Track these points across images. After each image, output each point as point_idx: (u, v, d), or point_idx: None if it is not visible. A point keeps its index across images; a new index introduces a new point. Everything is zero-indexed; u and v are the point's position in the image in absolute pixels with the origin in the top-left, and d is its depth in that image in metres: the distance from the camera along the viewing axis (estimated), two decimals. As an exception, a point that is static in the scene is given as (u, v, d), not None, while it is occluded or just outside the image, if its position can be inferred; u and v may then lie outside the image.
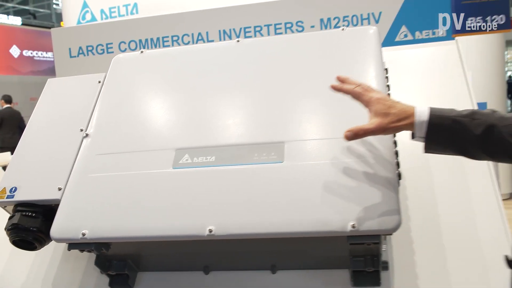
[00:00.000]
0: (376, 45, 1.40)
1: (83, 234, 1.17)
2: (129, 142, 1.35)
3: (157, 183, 1.24)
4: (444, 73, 1.70)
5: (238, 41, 1.53)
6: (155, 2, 5.04)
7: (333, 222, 1.08)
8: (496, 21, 1.75)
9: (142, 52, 1.58)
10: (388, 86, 1.35)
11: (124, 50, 1.96)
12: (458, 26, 1.76)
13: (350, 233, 1.07)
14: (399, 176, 1.17)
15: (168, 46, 1.93)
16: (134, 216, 1.20)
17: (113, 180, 1.28)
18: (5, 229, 1.32)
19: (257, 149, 1.24)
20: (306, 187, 1.14)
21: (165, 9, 5.41)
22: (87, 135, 1.41)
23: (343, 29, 1.46)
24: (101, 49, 1.97)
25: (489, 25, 1.75)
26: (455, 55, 1.75)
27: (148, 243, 1.28)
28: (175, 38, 1.92)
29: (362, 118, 1.07)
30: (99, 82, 1.55)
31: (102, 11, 5.13)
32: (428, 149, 1.06)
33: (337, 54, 1.40)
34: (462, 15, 1.75)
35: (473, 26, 1.76)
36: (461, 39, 1.79)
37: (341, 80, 1.14)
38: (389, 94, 1.30)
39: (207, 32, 1.91)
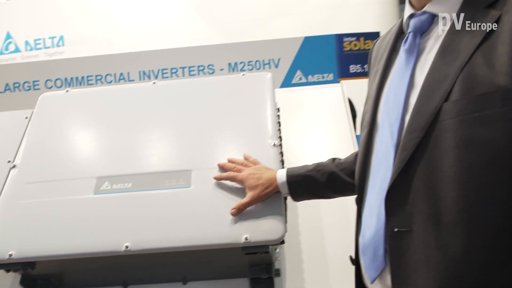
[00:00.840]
0: (271, 88, 1.63)
1: (10, 255, 1.27)
2: (55, 171, 1.46)
3: (80, 208, 1.36)
4: (330, 110, 1.98)
5: (154, 83, 1.71)
6: (81, 34, 5.07)
7: (230, 235, 1.26)
8: (372, 68, 2.07)
9: (67, 91, 1.72)
10: (279, 123, 1.57)
11: (51, 88, 2.06)
12: (342, 72, 2.06)
13: (243, 244, 1.26)
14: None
15: (92, 84, 2.05)
16: (58, 236, 1.29)
17: (39, 205, 1.37)
18: None
19: (168, 176, 1.41)
20: (209, 207, 1.31)
21: (91, 42, 5.46)
22: (14, 166, 1.49)
23: (243, 75, 1.69)
24: (28, 86, 2.05)
25: (367, 71, 2.06)
26: (339, 95, 2.04)
27: (70, 261, 1.37)
28: (98, 78, 2.05)
29: (252, 151, 1.32)
30: (26, 118, 1.65)
31: (26, 43, 5.05)
32: (296, 200, 1.29)
33: (237, 96, 1.62)
34: (345, 62, 2.06)
35: (355, 72, 2.06)
36: (347, 82, 2.08)
37: (221, 166, 1.35)
38: (280, 130, 1.53)
39: (128, 73, 2.06)
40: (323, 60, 2.05)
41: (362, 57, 2.04)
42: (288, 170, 1.28)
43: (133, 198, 1.36)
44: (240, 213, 1.26)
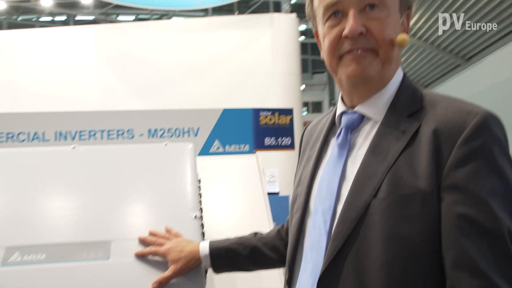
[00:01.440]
0: (192, 159, 1.66)
1: None
2: None
3: None
4: (245, 178, 2.05)
5: (73, 147, 1.65)
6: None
7: None
8: (284, 141, 2.19)
9: (-24, 151, 1.61)
10: (200, 194, 1.60)
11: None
12: (257, 143, 2.15)
13: None
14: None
15: (2, 142, 1.94)
16: None
17: None
18: None
19: (86, 247, 1.35)
20: (129, 282, 1.28)
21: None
22: None
23: (166, 144, 1.70)
24: None
25: (280, 144, 2.18)
26: (254, 165, 2.12)
27: None
28: (10, 135, 1.95)
29: (174, 223, 1.34)
30: None
31: None
32: (216, 272, 1.29)
33: (160, 165, 1.62)
34: (260, 135, 2.15)
35: (269, 144, 2.16)
36: (261, 153, 2.17)
37: (142, 240, 1.32)
38: (200, 202, 1.55)
39: (43, 132, 1.97)
40: (240, 131, 2.13)
41: (276, 131, 2.16)
42: (211, 243, 1.28)
43: (46, 271, 1.28)
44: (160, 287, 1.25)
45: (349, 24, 0.91)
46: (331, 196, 0.94)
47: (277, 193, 3.71)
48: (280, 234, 1.30)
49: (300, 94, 8.10)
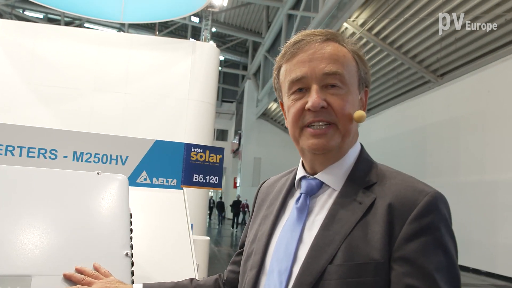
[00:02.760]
0: (125, 192, 1.61)
1: None
2: None
3: None
4: (172, 211, 2.03)
5: (-5, 166, 1.51)
6: None
7: None
8: (212, 180, 2.20)
9: None
10: (131, 230, 1.54)
11: None
12: (185, 179, 2.13)
13: None
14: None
15: None
16: None
17: None
18: None
19: (4, 281, 1.23)
20: None
21: None
22: None
23: (98, 173, 1.63)
24: None
25: (208, 182, 2.18)
26: (181, 200, 2.11)
27: None
28: None
29: (103, 260, 1.28)
30: None
31: None
32: None
33: (91, 196, 1.55)
34: (190, 171, 2.14)
35: (198, 181, 2.16)
36: (188, 189, 2.16)
37: (67, 276, 1.26)
38: (131, 238, 1.50)
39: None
40: (170, 165, 2.10)
41: (206, 168, 2.16)
42: (145, 286, 1.25)
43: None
44: None
45: (312, 98, 0.99)
46: (288, 258, 0.98)
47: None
48: (218, 284, 1.32)
49: (213, 123, 8.16)
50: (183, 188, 2.13)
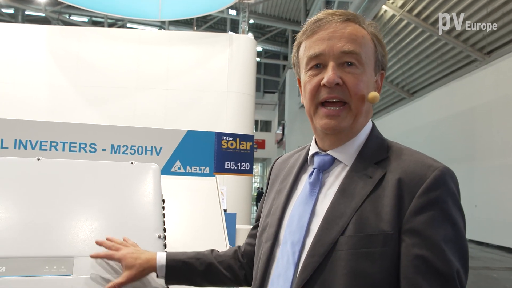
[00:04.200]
0: (158, 180, 1.70)
1: None
2: None
3: None
4: (205, 198, 2.12)
5: (38, 159, 1.65)
6: None
7: None
8: (244, 167, 2.28)
9: None
10: (164, 215, 1.64)
11: None
12: (217, 167, 2.22)
13: None
14: None
15: (-44, 147, 1.90)
16: None
17: None
18: None
19: (48, 261, 1.35)
20: None
21: None
22: None
23: (132, 163, 1.74)
24: None
25: (239, 169, 2.26)
26: (214, 186, 2.20)
27: None
28: (-35, 142, 1.92)
29: (137, 242, 1.39)
30: None
31: None
32: (168, 283, 1.32)
33: (125, 184, 1.65)
34: (221, 159, 2.23)
35: (229, 168, 2.24)
36: (220, 176, 2.25)
37: (99, 243, 1.34)
38: (164, 222, 1.60)
39: (1, 140, 1.95)
40: (202, 154, 2.19)
41: (237, 156, 2.24)
42: (168, 255, 1.32)
43: (6, 284, 1.28)
44: None
45: (328, 74, 1.03)
46: (301, 230, 1.03)
47: (225, 210, 3.82)
48: (237, 255, 1.39)
49: (253, 114, 8.26)
50: (216, 175, 2.22)
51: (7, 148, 1.98)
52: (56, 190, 1.58)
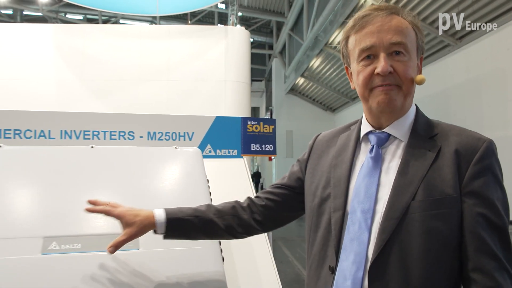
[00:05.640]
0: (200, 161, 1.76)
1: None
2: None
3: (26, 269, 1.27)
4: (234, 177, 2.17)
5: (92, 147, 1.69)
6: None
7: None
8: (268, 148, 2.33)
9: (0, 146, 1.59)
10: (210, 193, 1.69)
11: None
12: (245, 149, 2.27)
13: None
14: None
15: (10, 138, 1.92)
16: None
17: None
18: None
19: (111, 238, 1.40)
20: (159, 270, 1.37)
21: None
22: None
23: (176, 148, 1.78)
24: None
25: (264, 150, 2.32)
26: (242, 166, 2.25)
27: None
28: (17, 132, 1.93)
29: None
30: None
31: None
32: (166, 238, 1.33)
33: (173, 165, 1.71)
34: (247, 141, 2.28)
35: (255, 150, 2.29)
36: (248, 157, 2.30)
37: (92, 202, 1.33)
38: (211, 200, 1.65)
39: (49, 131, 1.98)
40: (230, 137, 2.23)
41: (261, 138, 2.29)
42: (168, 212, 1.32)
43: (83, 259, 1.33)
44: (116, 251, 1.27)
45: (381, 64, 1.10)
46: (370, 199, 1.10)
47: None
48: (235, 210, 1.38)
49: (249, 100, 8.27)
50: (243, 156, 2.27)
51: (54, 138, 2.00)
52: (113, 173, 1.63)
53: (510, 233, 1.04)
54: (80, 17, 24.95)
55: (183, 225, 1.32)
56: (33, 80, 7.22)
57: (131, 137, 2.09)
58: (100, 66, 7.54)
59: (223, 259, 1.47)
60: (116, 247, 1.25)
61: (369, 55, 1.13)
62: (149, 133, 2.12)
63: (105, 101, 7.61)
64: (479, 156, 1.05)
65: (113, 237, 1.39)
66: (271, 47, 28.07)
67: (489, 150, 1.07)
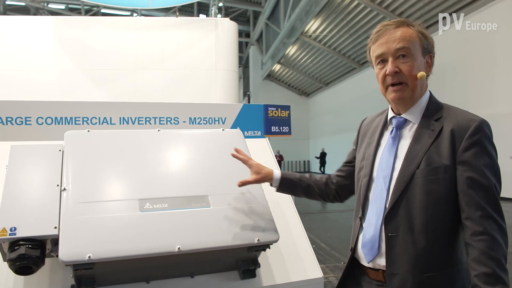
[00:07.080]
0: (244, 141, 2.06)
1: (89, 257, 1.40)
2: (103, 194, 1.62)
3: (131, 222, 1.57)
4: (260, 153, 2.48)
5: (159, 130, 1.98)
6: None
7: (247, 238, 1.63)
8: (284, 129, 2.68)
9: (89, 131, 1.86)
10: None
11: (41, 124, 2.12)
12: (266, 130, 2.61)
13: (256, 244, 1.67)
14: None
15: (79, 124, 2.19)
16: (123, 243, 1.49)
17: (97, 220, 1.53)
18: (8, 259, 1.41)
19: (193, 199, 1.70)
20: (227, 221, 1.68)
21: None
22: (65, 189, 1.60)
23: (223, 130, 2.09)
24: (20, 121, 2.09)
25: (282, 131, 2.66)
26: (266, 145, 2.58)
27: (117, 262, 1.48)
28: (85, 119, 2.21)
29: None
30: (60, 150, 1.76)
31: None
32: (278, 191, 1.70)
33: (225, 144, 1.99)
34: (268, 124, 2.62)
35: (275, 131, 2.64)
36: (269, 138, 2.64)
37: (236, 150, 1.73)
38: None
39: (110, 118, 2.26)
40: (255, 121, 2.57)
41: (279, 121, 2.63)
42: (282, 173, 1.68)
43: (171, 214, 1.64)
44: (243, 186, 1.67)
45: (388, 67, 1.33)
46: (389, 168, 1.33)
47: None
48: (328, 182, 1.71)
49: (238, 87, 8.55)
50: (266, 137, 2.61)
51: (114, 124, 2.29)
52: (183, 152, 1.92)
53: (504, 204, 1.19)
54: (62, 6, 24.33)
55: (291, 184, 1.68)
56: (36, 71, 7.28)
57: (176, 122, 2.39)
58: (99, 56, 7.65)
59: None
60: (243, 183, 1.65)
61: (382, 60, 1.35)
62: (190, 118, 2.43)
63: (104, 89, 7.75)
64: (470, 133, 1.22)
65: (188, 198, 1.70)
66: (247, 35, 28.09)
67: (478, 128, 1.22)
